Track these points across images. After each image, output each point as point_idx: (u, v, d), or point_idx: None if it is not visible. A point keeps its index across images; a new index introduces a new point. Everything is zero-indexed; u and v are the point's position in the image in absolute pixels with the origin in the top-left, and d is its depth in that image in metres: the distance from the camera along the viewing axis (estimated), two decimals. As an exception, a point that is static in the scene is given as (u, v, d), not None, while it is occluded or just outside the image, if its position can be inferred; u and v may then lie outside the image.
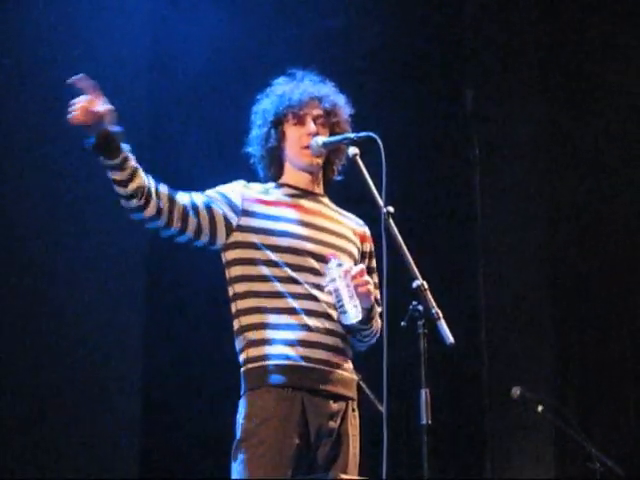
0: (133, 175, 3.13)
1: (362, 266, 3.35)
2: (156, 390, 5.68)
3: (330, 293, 3.31)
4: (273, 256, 3.33)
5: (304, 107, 3.47)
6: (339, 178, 3.60)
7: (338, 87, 3.60)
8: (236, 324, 3.38)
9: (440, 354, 3.12)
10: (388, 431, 3.01)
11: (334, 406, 3.32)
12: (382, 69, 6.30)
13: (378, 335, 3.50)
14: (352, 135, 3.36)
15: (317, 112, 3.48)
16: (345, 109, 3.55)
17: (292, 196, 3.47)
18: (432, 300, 3.00)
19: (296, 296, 3.32)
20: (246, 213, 3.37)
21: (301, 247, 3.36)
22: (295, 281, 3.32)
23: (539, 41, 6.63)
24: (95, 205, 5.33)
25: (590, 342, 6.31)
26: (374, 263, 3.57)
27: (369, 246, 3.57)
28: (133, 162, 3.14)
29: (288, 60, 3.65)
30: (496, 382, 6.13)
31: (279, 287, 3.32)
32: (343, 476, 3.25)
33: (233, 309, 3.39)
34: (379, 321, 3.45)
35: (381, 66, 6.30)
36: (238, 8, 5.90)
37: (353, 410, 3.39)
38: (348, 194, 3.57)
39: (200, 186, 3.44)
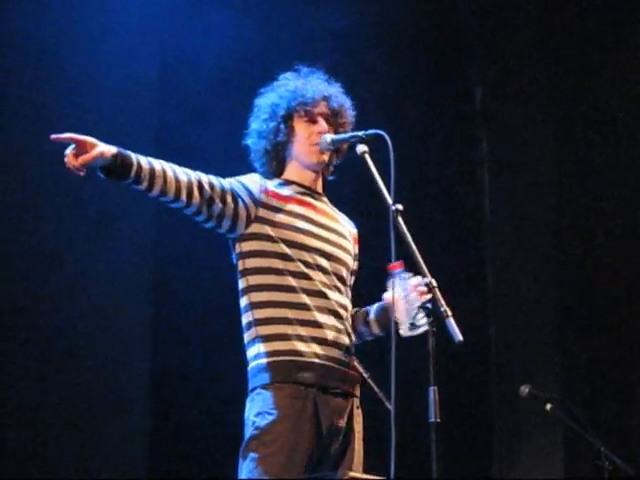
0: (152, 182, 3.17)
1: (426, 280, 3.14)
2: (165, 389, 5.69)
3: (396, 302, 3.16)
4: (287, 250, 3.32)
5: (315, 104, 3.47)
6: (331, 178, 3.60)
7: (347, 85, 3.60)
8: (248, 317, 3.35)
9: (449, 352, 3.11)
10: (396, 429, 3.01)
11: (342, 404, 3.31)
12: (391, 67, 6.29)
13: None
14: (360, 133, 3.36)
15: (326, 111, 3.48)
16: (350, 111, 3.55)
17: (301, 194, 3.47)
18: (441, 298, 3.00)
19: (308, 292, 3.31)
20: (264, 205, 3.36)
21: (312, 245, 3.36)
22: (307, 277, 3.32)
23: (547, 39, 6.62)
24: (100, 199, 5.35)
25: (599, 340, 6.30)
26: (356, 266, 3.58)
27: (357, 248, 3.60)
28: (146, 167, 3.17)
29: (297, 59, 3.64)
30: (505, 380, 6.13)
31: (293, 282, 3.31)
32: (353, 474, 3.25)
33: (245, 302, 3.37)
34: None
35: (390, 64, 6.29)
36: (247, 7, 5.91)
37: (357, 407, 3.39)
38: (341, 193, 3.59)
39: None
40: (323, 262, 3.36)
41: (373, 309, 3.49)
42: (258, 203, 3.36)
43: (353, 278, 3.54)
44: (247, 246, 3.37)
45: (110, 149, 3.10)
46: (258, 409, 3.24)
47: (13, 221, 5.22)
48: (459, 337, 2.94)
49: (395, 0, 6.38)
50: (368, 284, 3.54)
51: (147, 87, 5.75)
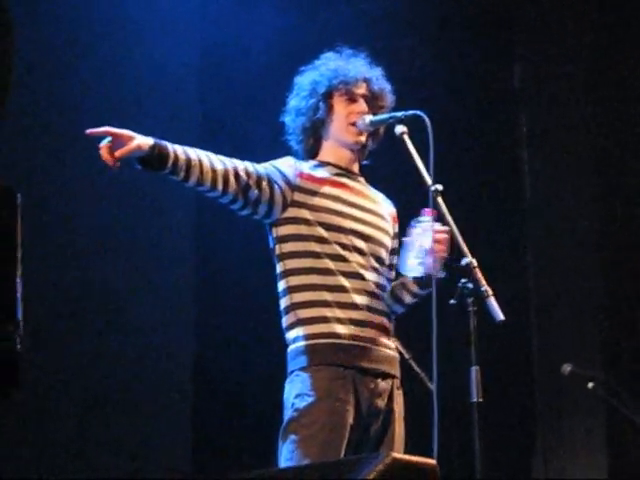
0: (188, 172, 3.18)
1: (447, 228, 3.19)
2: (207, 374, 5.73)
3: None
4: (324, 233, 3.33)
5: (357, 85, 3.47)
6: (365, 163, 3.59)
7: (385, 66, 3.59)
8: (286, 301, 3.36)
9: (490, 332, 3.11)
10: (439, 409, 3.01)
11: (382, 384, 3.32)
12: (428, 47, 6.26)
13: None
14: (399, 114, 3.36)
15: (366, 92, 3.48)
16: (390, 95, 3.54)
17: (337, 175, 3.46)
18: (482, 278, 3.00)
19: (346, 274, 3.31)
20: (299, 189, 3.36)
21: (348, 226, 3.36)
22: (344, 259, 3.32)
23: (588, 16, 6.56)
24: (139, 190, 5.40)
25: (641, 318, 6.26)
26: (397, 244, 3.54)
27: (397, 227, 3.58)
28: (182, 157, 3.17)
29: (337, 42, 3.63)
30: (546, 359, 6.11)
31: (330, 264, 3.31)
32: (395, 455, 3.26)
33: (283, 285, 3.37)
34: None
35: (427, 44, 6.26)
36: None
37: (398, 388, 3.39)
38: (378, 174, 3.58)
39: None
40: (360, 243, 3.36)
41: None
42: (294, 187, 3.36)
43: (395, 257, 3.52)
44: (284, 230, 3.37)
45: (147, 141, 3.12)
46: (297, 391, 3.26)
47: (54, 220, 5.26)
48: (500, 316, 2.94)
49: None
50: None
51: (189, 77, 5.79)
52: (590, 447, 6.13)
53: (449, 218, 3.09)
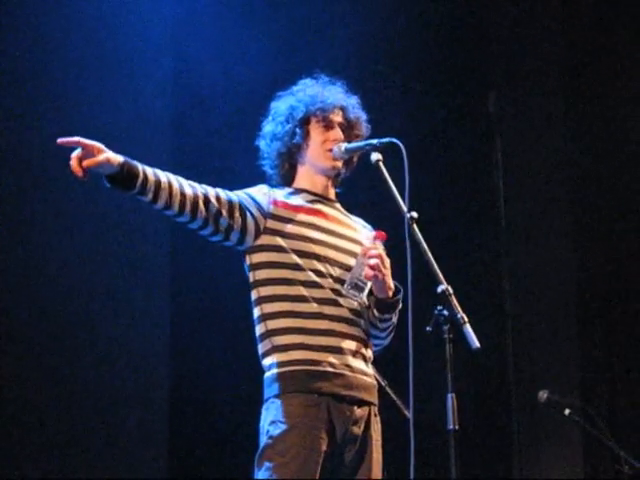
0: (156, 194, 3.18)
1: (380, 251, 3.27)
2: (183, 393, 5.71)
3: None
4: (298, 260, 3.32)
5: (333, 112, 3.48)
6: (338, 190, 3.59)
7: (359, 92, 3.60)
8: (261, 328, 3.35)
9: (466, 359, 3.11)
10: (415, 436, 3.00)
11: (358, 412, 3.30)
12: (403, 73, 6.29)
13: (390, 337, 3.49)
14: (375, 141, 3.36)
15: (342, 120, 3.50)
16: (365, 124, 3.55)
17: (312, 202, 3.46)
18: (457, 305, 3.00)
19: (320, 301, 3.31)
20: (273, 216, 3.36)
21: (324, 254, 3.35)
22: (319, 285, 3.31)
23: (562, 40, 6.61)
24: (114, 207, 5.40)
25: (617, 344, 6.28)
26: None
27: None
28: (152, 179, 3.17)
29: (311, 67, 3.65)
30: (523, 386, 6.11)
31: (304, 291, 3.30)
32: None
33: (257, 313, 3.37)
34: (394, 321, 3.44)
35: (402, 70, 6.29)
36: (261, 16, 5.93)
37: (375, 415, 3.37)
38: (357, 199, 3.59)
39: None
40: (335, 270, 3.34)
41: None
42: (267, 215, 3.36)
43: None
44: (257, 258, 3.37)
45: (117, 157, 3.11)
46: (271, 418, 3.25)
47: (28, 230, 5.25)
48: (476, 344, 2.93)
49: (408, 4, 6.38)
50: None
51: (161, 95, 5.78)
52: (567, 473, 6.13)
53: (424, 245, 3.09)
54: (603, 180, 6.43)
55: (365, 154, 3.39)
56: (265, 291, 3.35)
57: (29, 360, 5.12)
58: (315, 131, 3.48)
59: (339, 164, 3.48)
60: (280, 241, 3.34)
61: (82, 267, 5.40)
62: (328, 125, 3.48)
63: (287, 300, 3.31)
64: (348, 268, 3.34)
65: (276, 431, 3.21)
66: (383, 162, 3.30)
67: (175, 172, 3.29)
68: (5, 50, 5.23)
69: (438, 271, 3.05)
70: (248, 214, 3.33)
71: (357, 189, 3.66)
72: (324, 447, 3.21)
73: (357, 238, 3.47)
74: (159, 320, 5.73)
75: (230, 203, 3.31)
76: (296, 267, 3.32)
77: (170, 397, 5.71)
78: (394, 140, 3.27)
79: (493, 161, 6.50)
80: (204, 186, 3.31)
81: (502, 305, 6.33)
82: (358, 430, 3.29)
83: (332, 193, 3.55)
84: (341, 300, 3.33)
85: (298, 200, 3.44)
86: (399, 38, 6.27)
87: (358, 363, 3.34)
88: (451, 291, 3.02)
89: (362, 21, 6.16)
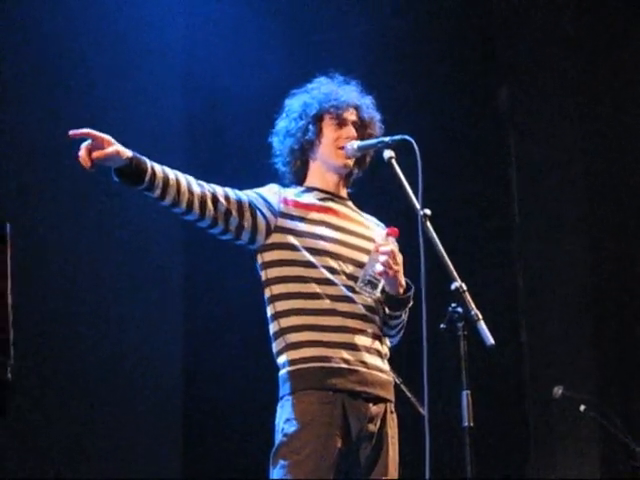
0: (164, 190, 3.18)
1: (391, 247, 3.27)
2: (197, 392, 5.73)
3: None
4: (311, 258, 3.32)
5: (347, 110, 3.48)
6: (350, 190, 3.60)
7: (371, 91, 3.61)
8: (274, 326, 3.36)
9: (481, 356, 3.11)
10: (430, 434, 3.00)
11: (374, 409, 3.30)
12: (415, 71, 6.28)
13: (400, 335, 3.49)
14: (387, 138, 3.36)
15: (355, 119, 3.50)
16: (379, 124, 3.55)
17: (323, 200, 3.46)
18: (471, 302, 3.00)
19: (334, 298, 3.31)
20: (283, 215, 3.36)
21: (336, 251, 3.35)
22: (332, 283, 3.31)
23: (574, 36, 6.59)
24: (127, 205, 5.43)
25: (632, 340, 6.26)
26: None
27: None
28: (160, 175, 3.18)
29: (323, 66, 3.65)
30: (538, 382, 6.10)
31: (317, 288, 3.30)
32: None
33: (271, 311, 3.37)
34: (404, 318, 3.44)
35: (414, 68, 6.29)
36: (273, 16, 5.94)
37: (391, 412, 3.37)
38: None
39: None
40: (348, 267, 3.35)
41: None
42: (277, 213, 3.36)
43: None
44: (269, 256, 3.37)
45: (126, 151, 3.12)
46: (286, 415, 3.25)
47: (41, 231, 5.28)
48: (490, 340, 2.93)
49: (417, 1, 6.38)
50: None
51: (172, 97, 5.80)
52: (583, 469, 6.11)
53: (438, 242, 3.09)
54: (617, 176, 6.41)
55: (378, 152, 3.40)
56: (277, 289, 3.35)
57: (46, 359, 5.15)
58: (328, 128, 3.48)
59: (350, 162, 3.48)
60: (292, 239, 3.34)
61: (97, 265, 5.44)
62: (341, 123, 3.48)
63: (300, 297, 3.31)
64: (361, 265, 3.34)
65: (291, 429, 3.22)
66: (396, 159, 3.30)
67: (188, 171, 3.30)
68: (18, 49, 5.26)
69: (452, 268, 3.05)
70: (258, 213, 3.33)
71: (367, 187, 3.65)
72: (339, 445, 3.21)
73: (369, 235, 3.47)
74: (172, 320, 5.77)
75: (240, 202, 3.32)
76: (308, 264, 3.32)
77: (184, 396, 5.73)
78: (406, 137, 3.27)
79: (506, 157, 6.49)
80: (213, 185, 3.32)
81: (516, 301, 6.33)
82: (374, 427, 3.29)
83: (343, 191, 3.55)
84: (355, 297, 3.33)
85: (309, 198, 3.45)
86: (410, 35, 6.27)
87: (373, 359, 3.34)
88: (465, 288, 3.01)
89: (372, 19, 6.17)
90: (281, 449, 3.22)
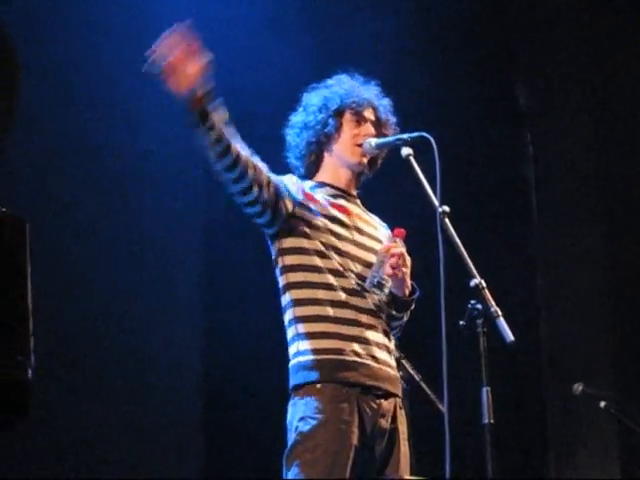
0: (220, 137, 3.12)
1: (401, 250, 3.29)
2: (217, 392, 5.74)
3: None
4: (324, 249, 3.32)
5: (367, 108, 3.48)
6: (357, 191, 3.59)
7: (389, 89, 3.60)
8: (289, 315, 3.34)
9: (500, 352, 3.10)
10: (450, 431, 3.00)
11: (385, 405, 3.29)
12: (433, 69, 6.28)
13: (396, 337, 3.49)
14: (405, 136, 3.36)
15: (373, 118, 3.49)
16: (394, 126, 3.54)
17: (334, 196, 3.46)
18: (491, 298, 2.99)
19: (347, 290, 3.30)
20: (301, 205, 3.36)
21: (345, 249, 3.35)
22: (344, 276, 3.31)
23: (592, 36, 6.58)
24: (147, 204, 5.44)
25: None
26: None
27: None
28: (220, 124, 3.12)
29: (341, 62, 3.65)
30: (557, 379, 6.09)
31: (332, 279, 3.30)
32: (406, 477, 3.25)
33: (287, 299, 3.35)
34: (405, 320, 3.45)
35: (433, 66, 6.28)
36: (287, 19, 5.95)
37: (400, 408, 3.36)
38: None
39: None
40: (356, 267, 3.34)
41: None
42: (296, 202, 3.36)
43: None
44: (287, 243, 3.36)
45: (206, 85, 3.06)
46: (301, 414, 3.22)
47: (63, 231, 5.30)
48: (510, 337, 2.93)
49: (437, 2, 6.38)
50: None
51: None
52: (604, 466, 6.10)
53: (456, 239, 3.09)
54: (634, 171, 6.39)
55: (395, 149, 3.39)
56: (294, 277, 3.33)
57: (64, 358, 5.18)
58: (347, 124, 3.47)
59: (366, 160, 3.47)
60: (306, 229, 3.34)
61: (115, 262, 5.47)
62: (360, 120, 3.47)
63: (315, 287, 3.30)
64: (369, 265, 3.34)
65: (306, 427, 3.19)
66: (414, 157, 3.30)
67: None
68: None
69: (471, 265, 3.05)
70: (282, 196, 3.32)
71: (378, 187, 3.65)
72: (355, 442, 3.19)
73: (377, 235, 3.47)
74: (192, 317, 5.78)
75: (272, 180, 3.30)
76: (323, 254, 3.31)
77: (205, 396, 5.74)
78: (424, 134, 3.27)
79: (524, 154, 6.48)
80: (257, 158, 3.30)
81: (535, 298, 6.32)
82: (386, 424, 3.28)
83: (354, 189, 3.54)
84: (365, 293, 3.33)
85: (322, 194, 3.44)
86: (427, 33, 6.26)
87: (383, 354, 3.33)
88: (484, 285, 3.01)
89: (390, 18, 6.16)
90: (296, 448, 3.20)
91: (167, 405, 5.52)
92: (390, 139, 3.43)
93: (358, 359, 3.26)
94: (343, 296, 3.29)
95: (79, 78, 5.41)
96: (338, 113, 3.46)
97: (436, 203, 3.15)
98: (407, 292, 3.35)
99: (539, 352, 6.21)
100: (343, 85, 3.51)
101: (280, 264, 3.38)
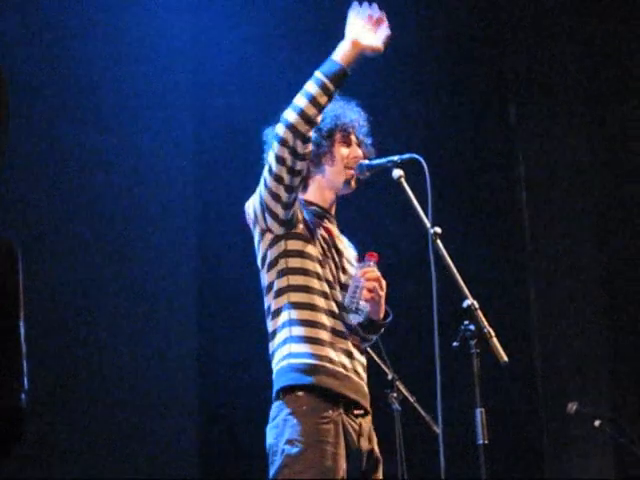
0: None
1: (377, 274, 3.30)
2: (212, 400, 5.74)
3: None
4: (322, 258, 3.34)
5: (353, 131, 3.49)
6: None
7: (382, 107, 3.61)
8: (284, 316, 3.31)
9: (494, 373, 3.10)
10: (445, 452, 3.00)
11: (364, 424, 3.28)
12: (424, 88, 6.30)
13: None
14: (396, 157, 3.35)
15: (355, 139, 3.50)
16: (370, 145, 3.53)
17: (319, 217, 3.45)
18: (484, 319, 2.99)
19: (337, 304, 3.31)
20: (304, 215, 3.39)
21: (331, 270, 3.36)
22: (334, 288, 3.33)
23: (583, 53, 6.60)
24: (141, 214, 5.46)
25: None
26: None
27: None
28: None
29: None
30: (552, 398, 6.09)
31: (327, 288, 3.31)
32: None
33: (283, 301, 3.32)
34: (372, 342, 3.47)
35: (423, 85, 6.30)
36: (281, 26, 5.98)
37: (371, 429, 3.34)
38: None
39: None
40: (336, 288, 3.34)
41: None
42: (303, 211, 3.39)
43: None
44: (292, 245, 3.33)
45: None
46: (287, 437, 3.18)
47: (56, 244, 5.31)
48: (504, 358, 2.92)
49: (428, 17, 6.39)
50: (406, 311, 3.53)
51: (181, 105, 5.83)
52: (599, 485, 6.09)
53: (448, 260, 3.09)
54: (627, 190, 6.40)
55: (386, 170, 3.39)
56: (295, 280, 3.31)
57: (61, 364, 5.19)
58: (338, 147, 3.47)
59: (354, 183, 3.46)
60: (310, 237, 3.34)
61: (110, 270, 5.50)
62: (348, 142, 3.48)
63: (315, 294, 3.29)
64: (344, 287, 3.34)
65: (294, 450, 3.15)
66: (405, 178, 3.30)
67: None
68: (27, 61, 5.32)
69: (463, 285, 3.05)
70: (297, 201, 3.33)
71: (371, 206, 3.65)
72: (343, 464, 3.17)
73: (350, 258, 3.48)
74: (186, 326, 5.79)
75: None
76: (322, 264, 3.32)
77: (200, 400, 5.75)
78: (415, 156, 3.27)
79: (515, 174, 6.49)
80: None
81: (529, 318, 6.32)
82: (365, 443, 3.26)
83: (334, 211, 3.53)
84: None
85: (308, 213, 3.43)
86: (420, 52, 6.28)
87: (362, 372, 3.34)
88: (477, 306, 3.01)
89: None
90: (283, 471, 3.15)
91: (162, 418, 5.53)
92: (381, 161, 3.42)
93: (343, 371, 3.25)
94: (334, 307, 3.30)
95: (67, 94, 5.45)
96: (330, 134, 3.46)
97: (428, 224, 3.16)
98: (381, 315, 3.36)
99: (533, 372, 6.21)
100: (334, 105, 3.50)
101: (282, 266, 3.33)
